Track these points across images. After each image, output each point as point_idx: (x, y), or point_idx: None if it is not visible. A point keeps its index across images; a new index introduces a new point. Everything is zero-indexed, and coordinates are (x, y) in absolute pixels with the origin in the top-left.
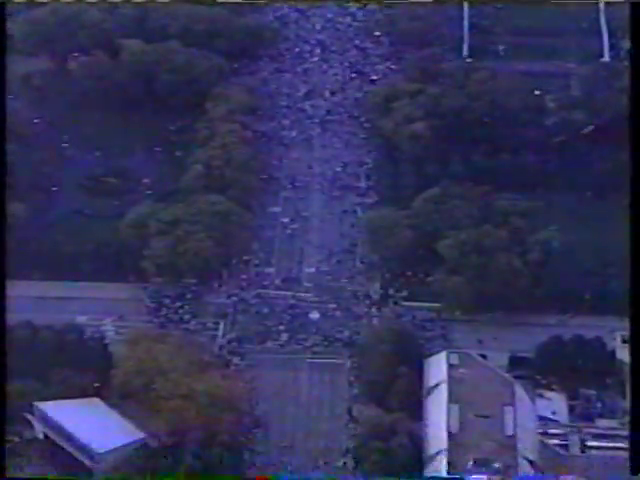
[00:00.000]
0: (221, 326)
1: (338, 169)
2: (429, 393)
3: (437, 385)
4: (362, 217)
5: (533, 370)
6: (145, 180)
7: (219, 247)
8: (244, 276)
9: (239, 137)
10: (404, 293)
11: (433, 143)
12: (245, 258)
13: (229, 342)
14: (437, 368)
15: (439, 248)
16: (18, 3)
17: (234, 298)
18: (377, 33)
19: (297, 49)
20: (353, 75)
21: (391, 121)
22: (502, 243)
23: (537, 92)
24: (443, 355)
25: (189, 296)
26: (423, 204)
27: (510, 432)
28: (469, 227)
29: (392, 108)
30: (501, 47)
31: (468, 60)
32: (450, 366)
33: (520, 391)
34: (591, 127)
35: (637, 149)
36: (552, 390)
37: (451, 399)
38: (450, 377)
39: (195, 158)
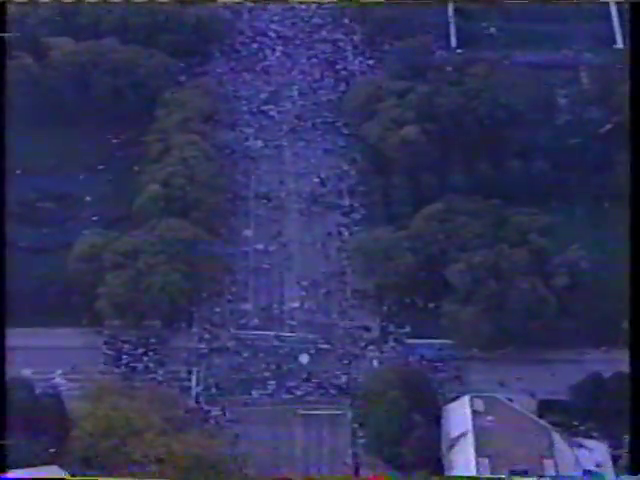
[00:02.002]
0: (194, 374)
1: (315, 182)
2: (452, 446)
3: (461, 436)
4: (351, 240)
5: (568, 415)
6: (88, 199)
7: (186, 281)
8: (217, 314)
9: (200, 150)
10: (407, 329)
11: (427, 150)
12: (217, 292)
13: (206, 389)
14: (459, 416)
15: (447, 274)
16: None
17: (207, 336)
18: (347, 21)
19: (255, 44)
20: (325, 73)
21: (376, 126)
22: (522, 266)
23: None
24: (466, 400)
25: (154, 340)
26: (424, 223)
27: None
28: (481, 248)
29: (376, 110)
30: (495, 34)
31: (459, 51)
32: (474, 413)
33: (559, 440)
34: (609, 126)
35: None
36: (592, 438)
37: (479, 452)
38: (476, 426)
39: (150, 176)
